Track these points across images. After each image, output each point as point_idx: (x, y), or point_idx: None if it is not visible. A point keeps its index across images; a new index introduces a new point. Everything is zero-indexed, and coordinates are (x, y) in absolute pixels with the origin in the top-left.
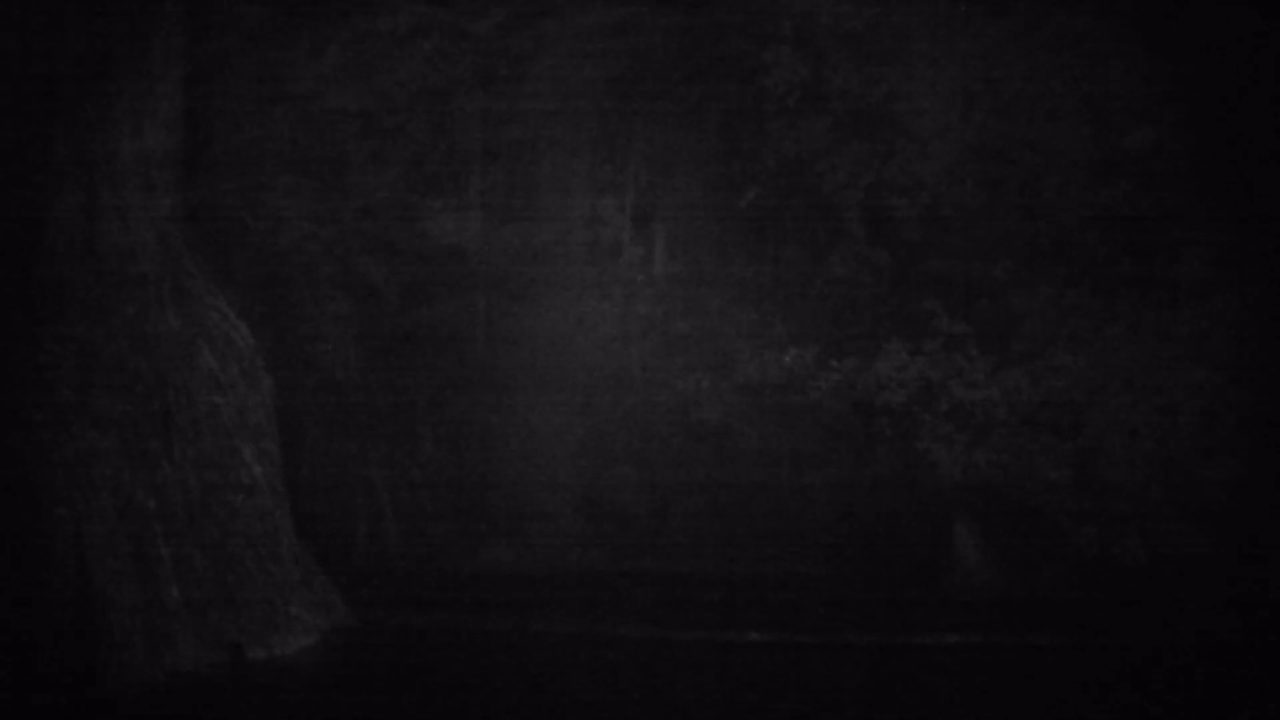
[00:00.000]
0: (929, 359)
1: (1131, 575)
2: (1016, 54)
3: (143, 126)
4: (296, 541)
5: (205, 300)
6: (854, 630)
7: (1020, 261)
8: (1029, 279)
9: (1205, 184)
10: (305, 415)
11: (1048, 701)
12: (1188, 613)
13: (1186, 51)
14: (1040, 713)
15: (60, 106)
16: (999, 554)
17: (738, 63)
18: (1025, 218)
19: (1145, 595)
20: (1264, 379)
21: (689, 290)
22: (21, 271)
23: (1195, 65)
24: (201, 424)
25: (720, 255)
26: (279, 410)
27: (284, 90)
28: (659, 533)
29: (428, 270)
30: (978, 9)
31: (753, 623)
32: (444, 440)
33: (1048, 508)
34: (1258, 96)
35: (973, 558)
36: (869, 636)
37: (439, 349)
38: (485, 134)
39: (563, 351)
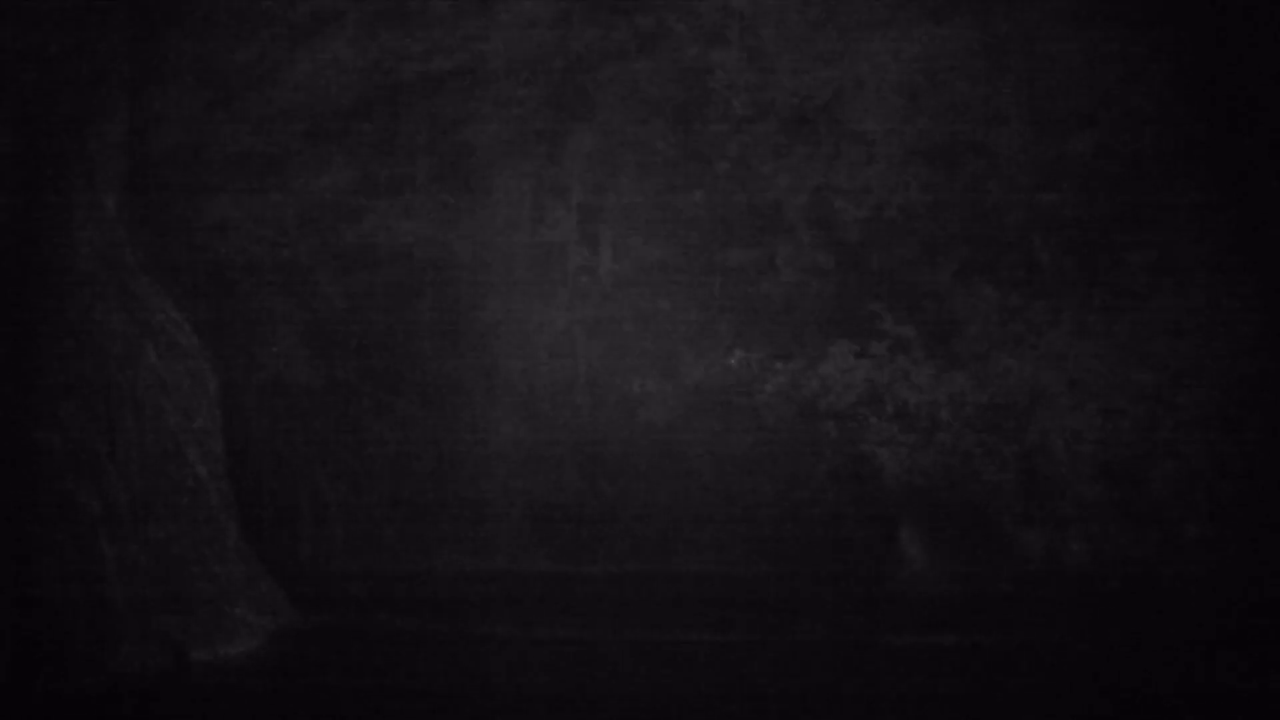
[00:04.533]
0: (874, 362)
1: (1075, 577)
2: (960, 57)
3: (86, 126)
4: (242, 543)
5: (150, 301)
6: (799, 630)
7: (964, 264)
8: (973, 282)
9: (1145, 187)
10: (250, 417)
11: (992, 701)
12: (1131, 615)
13: (1128, 56)
14: (984, 712)
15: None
16: (944, 556)
17: (683, 64)
18: (969, 221)
19: (1089, 597)
20: (1205, 381)
21: (635, 292)
22: None
23: (1136, 70)
24: (146, 425)
25: (666, 257)
26: (224, 412)
27: (229, 89)
28: (604, 534)
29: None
30: (923, 12)
31: (698, 623)
32: (389, 442)
33: (992, 510)
34: (1198, 100)
35: (918, 559)
36: (814, 636)
37: (385, 351)
38: (433, 133)
39: (509, 354)
